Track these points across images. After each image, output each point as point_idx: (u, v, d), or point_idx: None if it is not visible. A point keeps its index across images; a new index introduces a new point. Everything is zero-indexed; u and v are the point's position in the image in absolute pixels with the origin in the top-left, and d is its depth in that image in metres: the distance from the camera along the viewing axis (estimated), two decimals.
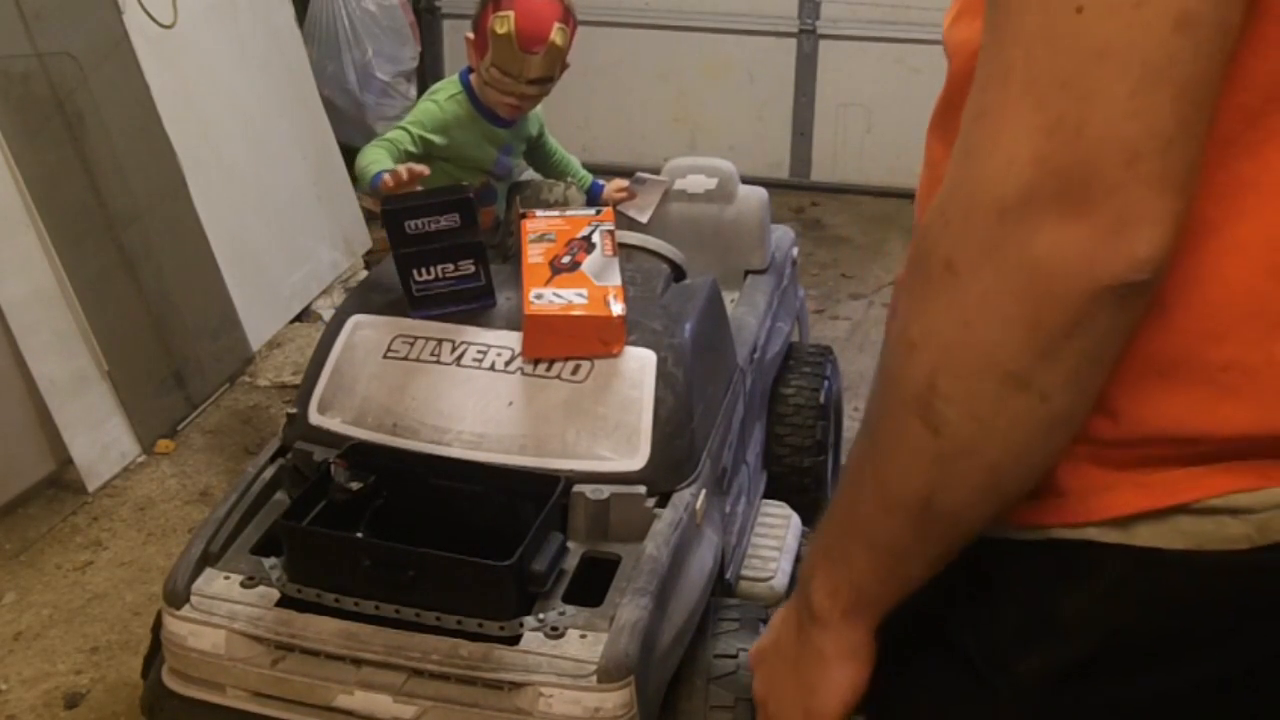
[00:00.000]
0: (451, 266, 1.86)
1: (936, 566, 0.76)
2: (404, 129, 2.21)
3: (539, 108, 2.44)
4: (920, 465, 0.71)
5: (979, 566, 0.77)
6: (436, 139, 2.22)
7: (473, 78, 2.29)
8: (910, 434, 0.70)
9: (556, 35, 2.16)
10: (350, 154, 4.11)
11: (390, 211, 1.85)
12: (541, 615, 1.58)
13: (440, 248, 1.85)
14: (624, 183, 2.55)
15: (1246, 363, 0.69)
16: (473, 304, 1.91)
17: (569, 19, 2.21)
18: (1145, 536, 0.72)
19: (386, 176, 2.03)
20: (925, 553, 0.76)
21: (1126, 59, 0.60)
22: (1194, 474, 0.71)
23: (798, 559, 2.20)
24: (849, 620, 0.80)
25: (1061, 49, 0.61)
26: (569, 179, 2.51)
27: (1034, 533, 0.75)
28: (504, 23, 2.14)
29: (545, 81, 2.24)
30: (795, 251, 2.81)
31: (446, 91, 2.30)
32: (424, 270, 1.86)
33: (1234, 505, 0.70)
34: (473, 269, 1.87)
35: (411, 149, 2.17)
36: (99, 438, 2.84)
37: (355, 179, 2.19)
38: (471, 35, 2.26)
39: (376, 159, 2.07)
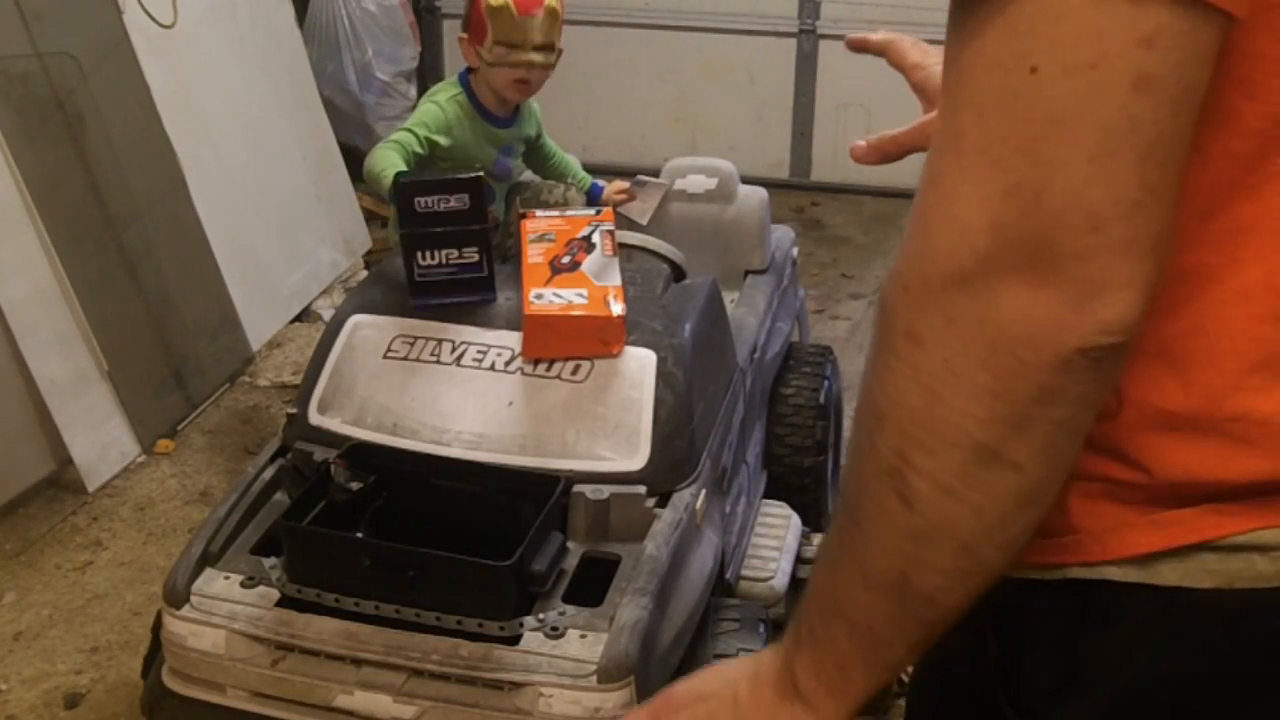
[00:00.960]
0: (456, 252, 1.87)
1: (916, 652, 0.73)
2: (409, 131, 2.21)
3: (537, 108, 2.44)
4: (895, 540, 0.68)
5: (1001, 610, 0.75)
6: (441, 139, 2.22)
7: (471, 78, 2.29)
8: (884, 507, 0.68)
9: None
10: (350, 154, 4.12)
11: (402, 185, 1.86)
12: (541, 615, 1.58)
13: (446, 231, 1.85)
14: (624, 184, 2.54)
15: (1258, 413, 0.67)
16: (473, 295, 1.91)
17: None
18: (1169, 576, 0.69)
19: None
20: (905, 637, 0.72)
21: (1084, 123, 0.57)
22: (1217, 511, 0.68)
23: (798, 559, 2.20)
24: (835, 701, 0.75)
25: (1016, 112, 0.58)
26: (569, 180, 2.51)
27: (1052, 572, 0.73)
28: None
29: (548, 50, 2.24)
30: (795, 251, 2.81)
31: (446, 93, 2.30)
32: (428, 254, 1.87)
33: (1261, 542, 0.68)
34: (476, 257, 1.88)
35: (419, 150, 2.17)
36: (99, 438, 2.84)
37: (362, 178, 2.19)
38: (464, 34, 2.26)
39: (391, 161, 2.08)
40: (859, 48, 1.19)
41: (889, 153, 1.12)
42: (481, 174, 1.88)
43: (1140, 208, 0.58)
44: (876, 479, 0.68)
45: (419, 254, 1.87)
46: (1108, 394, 0.65)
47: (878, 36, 1.17)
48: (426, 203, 1.83)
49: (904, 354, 0.65)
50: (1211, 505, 0.68)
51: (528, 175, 2.54)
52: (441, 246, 1.86)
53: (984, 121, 0.60)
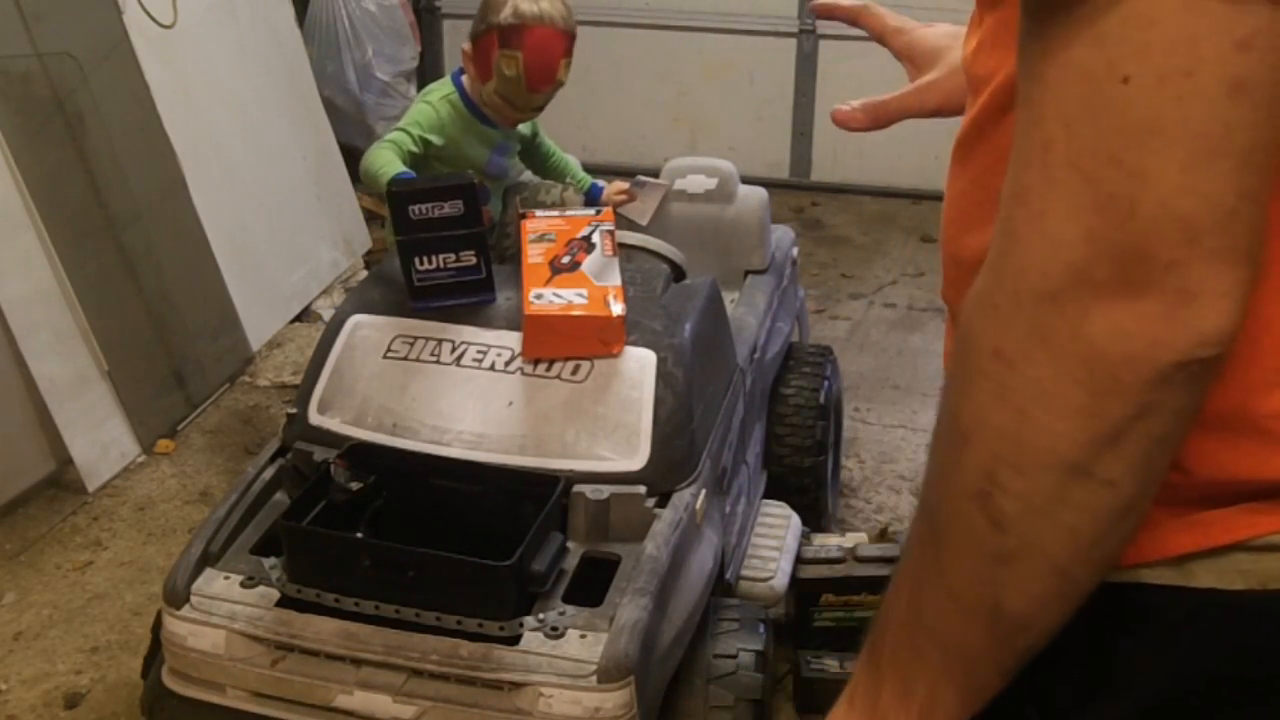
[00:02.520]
0: (453, 256, 1.87)
1: (1008, 678, 0.70)
2: (404, 130, 2.21)
3: None
4: (985, 565, 0.66)
5: None
6: (434, 138, 2.23)
7: (464, 79, 2.29)
8: (973, 530, 0.66)
9: (562, 73, 2.18)
10: (350, 154, 4.12)
11: (396, 194, 1.86)
12: (541, 615, 1.58)
13: (442, 236, 1.85)
14: (624, 185, 2.54)
15: None
16: (472, 297, 1.91)
17: (571, 47, 2.22)
18: (1203, 577, 0.68)
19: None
20: (999, 661, 0.69)
21: (1179, 132, 0.56)
22: (1251, 510, 0.67)
23: (798, 559, 2.20)
24: None
25: (1107, 123, 0.57)
26: (567, 180, 2.51)
27: None
28: (512, 64, 2.15)
29: (543, 108, 2.28)
30: (795, 251, 2.81)
31: (439, 92, 2.30)
32: (425, 259, 1.87)
33: None
34: (474, 260, 1.88)
35: (414, 149, 2.18)
36: (99, 438, 2.84)
37: (362, 182, 2.19)
38: (469, 48, 2.25)
39: (388, 160, 2.08)
40: (826, 13, 1.16)
41: (880, 116, 1.10)
42: (475, 179, 1.87)
43: (1236, 215, 0.57)
44: (964, 501, 0.66)
45: (416, 259, 1.87)
46: (1202, 405, 0.63)
47: (848, 2, 1.14)
48: (421, 210, 1.83)
49: (991, 373, 0.63)
50: (1247, 505, 0.67)
51: (526, 175, 2.54)
52: (438, 251, 1.86)
53: (1073, 133, 0.58)
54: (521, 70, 2.14)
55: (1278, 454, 0.66)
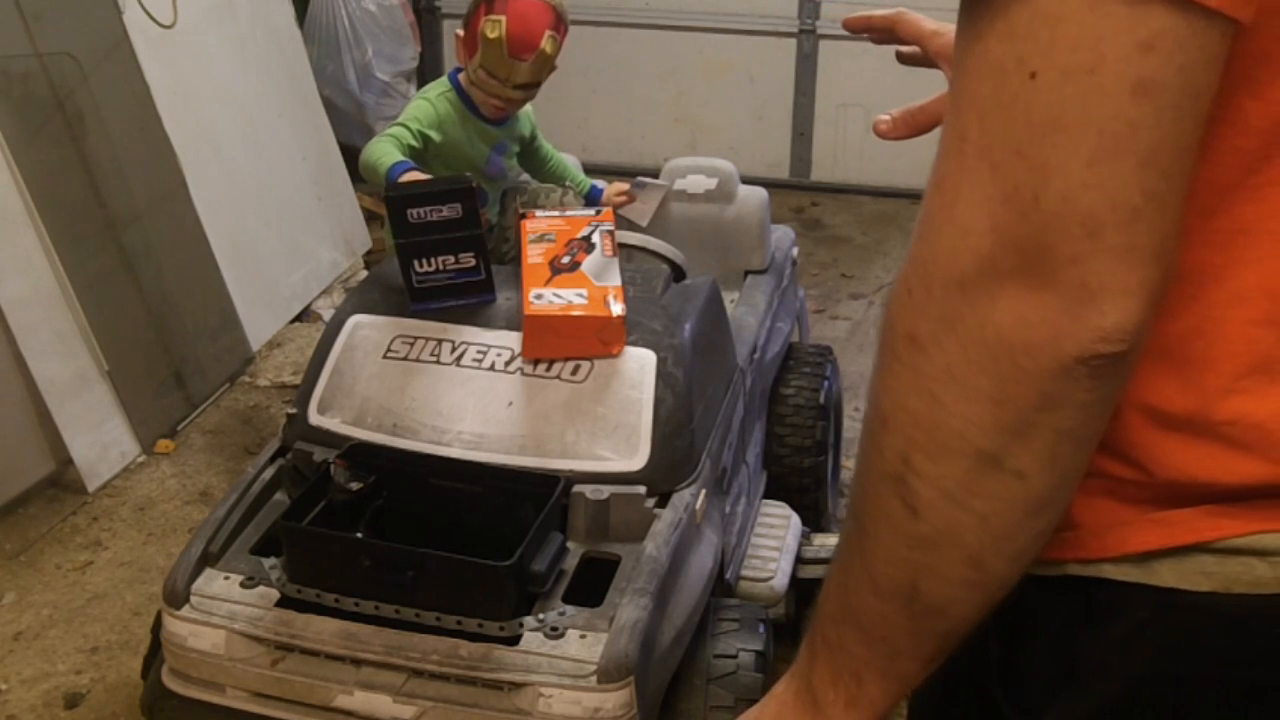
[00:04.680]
0: (452, 259, 1.87)
1: (930, 666, 0.72)
2: (403, 125, 2.21)
3: (530, 110, 2.44)
4: (902, 548, 0.68)
5: (1001, 606, 0.73)
6: (433, 134, 2.23)
7: (461, 76, 2.29)
8: (890, 513, 0.68)
9: (547, 43, 2.16)
10: (350, 154, 4.12)
11: (394, 198, 1.86)
12: (541, 615, 1.58)
13: (441, 239, 1.85)
14: (624, 185, 2.54)
15: (1252, 416, 0.66)
16: (472, 298, 1.91)
17: (560, 25, 2.21)
18: (1166, 576, 0.69)
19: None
20: (918, 649, 0.71)
21: (1082, 128, 0.57)
22: (1214, 512, 0.68)
23: (798, 559, 2.20)
24: (853, 707, 0.75)
25: (1015, 116, 0.58)
26: (567, 184, 2.50)
27: (1051, 568, 0.72)
28: (495, 27, 2.14)
29: (531, 87, 2.25)
30: (795, 251, 2.81)
31: (437, 90, 2.30)
32: (425, 261, 1.87)
33: (1260, 547, 0.67)
34: (473, 261, 1.88)
35: (414, 144, 2.17)
36: (99, 438, 2.84)
37: (361, 177, 2.19)
38: (462, 33, 2.26)
39: (387, 152, 2.08)
40: (861, 28, 1.16)
41: (919, 124, 1.12)
42: (473, 182, 1.87)
43: (1140, 215, 0.58)
44: (883, 484, 0.67)
45: (415, 262, 1.87)
46: (1115, 401, 0.64)
47: (882, 13, 1.14)
48: (419, 213, 1.83)
49: (905, 358, 0.65)
50: (1209, 507, 0.68)
51: (524, 178, 2.53)
52: (438, 254, 1.87)
53: (985, 125, 0.60)
54: (504, 33, 2.14)
55: (1237, 459, 0.66)
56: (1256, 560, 0.67)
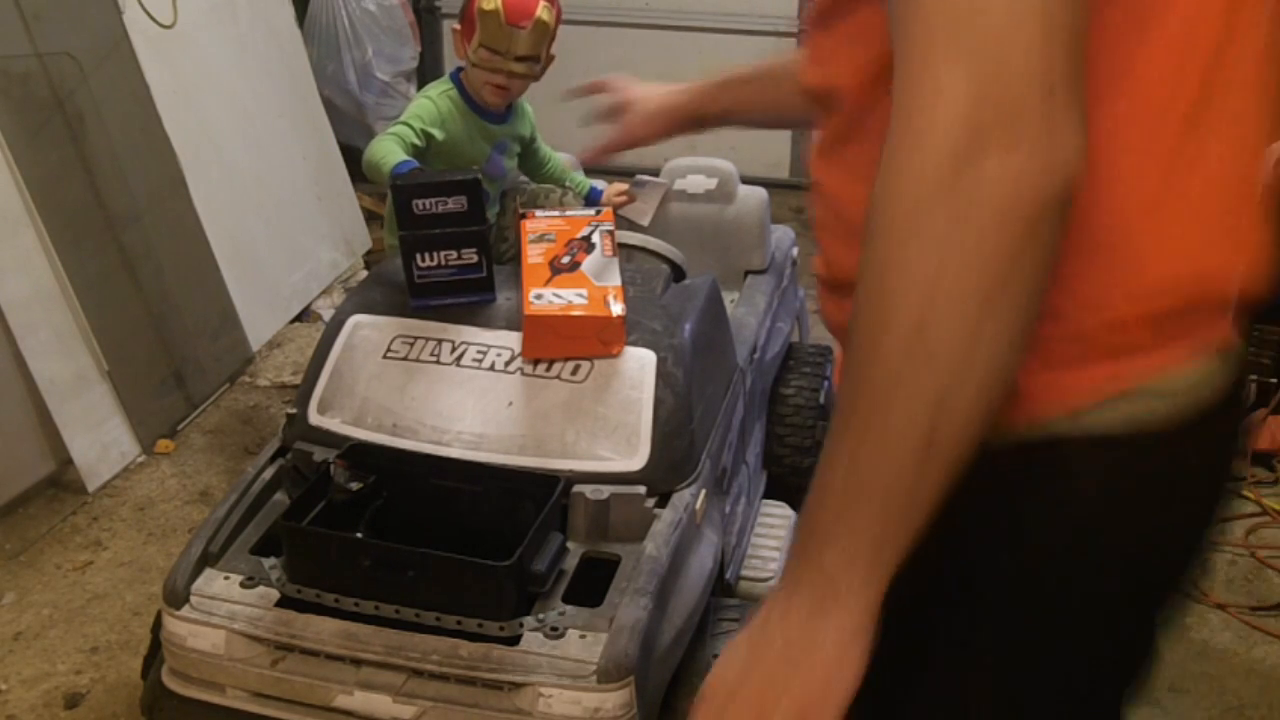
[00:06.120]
0: (454, 254, 1.88)
1: (939, 500, 0.80)
2: (405, 123, 2.21)
3: (530, 110, 2.44)
4: (922, 401, 0.75)
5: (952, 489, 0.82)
6: (436, 132, 2.23)
7: (463, 75, 2.30)
8: (907, 376, 0.75)
9: (543, 11, 2.18)
10: (350, 154, 4.12)
11: (400, 189, 1.86)
12: (541, 615, 1.58)
13: (444, 233, 1.86)
14: (623, 185, 2.54)
15: (1137, 223, 0.82)
16: (473, 296, 1.91)
17: (554, 5, 2.23)
18: (1094, 424, 0.85)
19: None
20: (933, 487, 0.79)
21: (1036, 15, 0.71)
22: (1124, 363, 0.84)
23: None
24: (873, 579, 0.80)
25: (979, 9, 0.71)
26: (566, 185, 2.50)
27: (1000, 439, 0.82)
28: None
29: (532, 61, 2.25)
30: (795, 251, 2.81)
31: (438, 88, 2.31)
32: (427, 256, 1.87)
33: (1157, 389, 0.85)
34: (475, 258, 1.88)
35: (416, 142, 2.18)
36: (99, 438, 2.84)
37: (361, 177, 2.19)
38: (458, 25, 2.27)
39: (391, 151, 2.08)
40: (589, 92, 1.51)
41: (621, 145, 1.46)
42: (479, 176, 1.88)
43: (1072, 77, 0.73)
44: (898, 351, 0.75)
45: (418, 256, 1.87)
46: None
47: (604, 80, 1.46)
48: (424, 205, 1.83)
49: (909, 231, 0.74)
50: (1122, 358, 0.84)
51: (524, 179, 2.53)
52: (440, 248, 1.87)
53: (955, 23, 0.72)
54: (500, 3, 2.15)
55: (1134, 267, 0.82)
56: (1156, 400, 0.85)
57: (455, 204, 1.84)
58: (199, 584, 1.67)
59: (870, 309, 0.77)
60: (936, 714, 0.96)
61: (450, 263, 1.88)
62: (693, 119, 1.46)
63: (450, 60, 4.99)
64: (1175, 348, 0.85)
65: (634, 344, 1.83)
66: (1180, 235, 0.83)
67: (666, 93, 1.47)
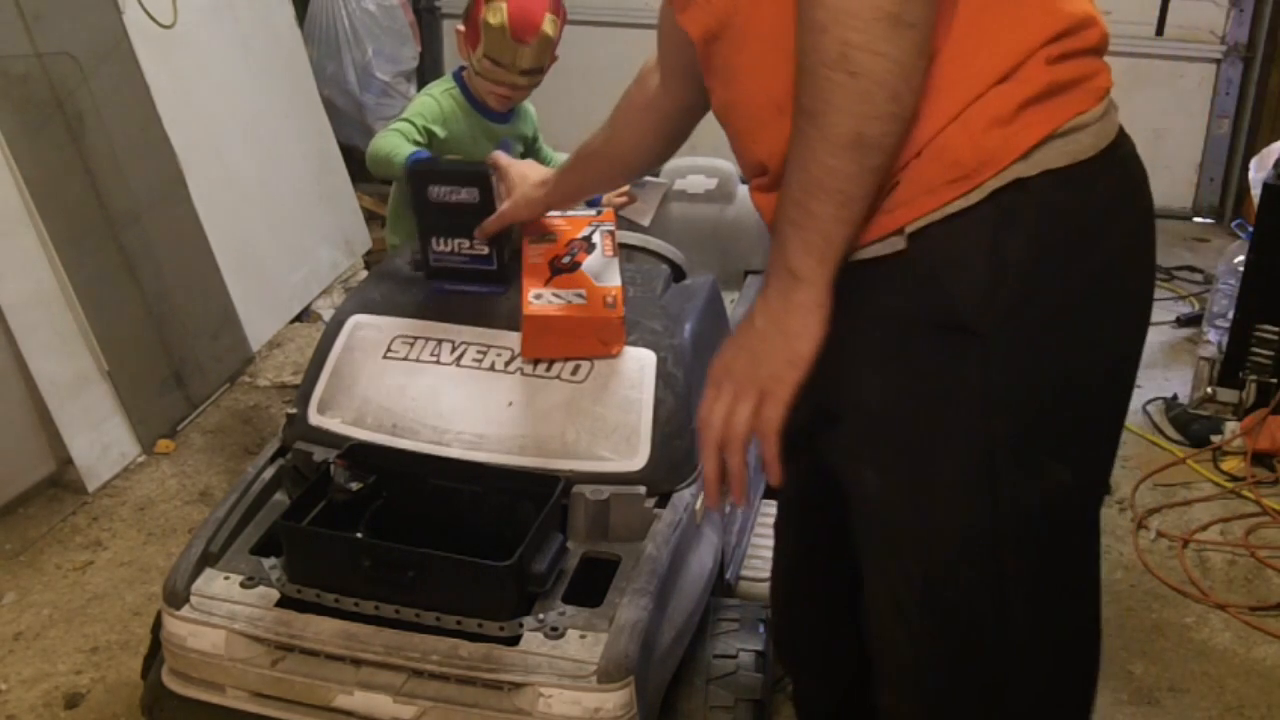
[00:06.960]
0: (467, 243, 1.90)
1: (873, 200, 1.03)
2: (408, 121, 2.22)
3: (533, 111, 2.44)
4: (848, 106, 0.97)
5: (932, 243, 1.05)
6: (438, 129, 2.24)
7: (465, 74, 2.30)
8: (838, 86, 0.97)
9: (548, 25, 2.18)
10: (350, 154, 4.12)
11: (417, 173, 1.89)
12: (541, 615, 1.58)
13: (457, 224, 1.88)
14: (624, 186, 2.54)
15: None
16: (484, 287, 1.92)
17: (559, 9, 2.23)
18: (1043, 160, 1.04)
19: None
20: (866, 188, 1.01)
21: None
22: (1050, 107, 1.04)
23: None
24: (823, 267, 1.04)
25: None
26: None
27: (977, 193, 1.03)
28: (497, 13, 2.16)
29: (536, 72, 2.26)
30: None
31: (441, 87, 2.31)
32: (441, 241, 1.90)
33: (1079, 125, 1.05)
34: (486, 250, 1.89)
35: (419, 139, 2.18)
36: (99, 438, 2.84)
37: (362, 177, 2.20)
38: (462, 28, 2.27)
39: (398, 143, 2.09)
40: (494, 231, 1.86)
41: (505, 222, 1.85)
42: (491, 171, 1.89)
43: None
44: (828, 67, 0.97)
45: (433, 239, 1.89)
46: None
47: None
48: (439, 191, 1.85)
49: None
50: (1051, 99, 1.04)
51: None
52: (454, 235, 1.90)
53: None
54: (505, 18, 2.15)
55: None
56: (1081, 134, 1.06)
57: (468, 194, 1.86)
58: (199, 584, 1.67)
59: (808, 44, 0.97)
60: (969, 456, 1.11)
61: (462, 250, 1.90)
62: (550, 205, 1.85)
63: (450, 60, 4.99)
64: (1083, 90, 1.06)
65: (634, 344, 1.83)
66: None
67: (539, 180, 1.81)
